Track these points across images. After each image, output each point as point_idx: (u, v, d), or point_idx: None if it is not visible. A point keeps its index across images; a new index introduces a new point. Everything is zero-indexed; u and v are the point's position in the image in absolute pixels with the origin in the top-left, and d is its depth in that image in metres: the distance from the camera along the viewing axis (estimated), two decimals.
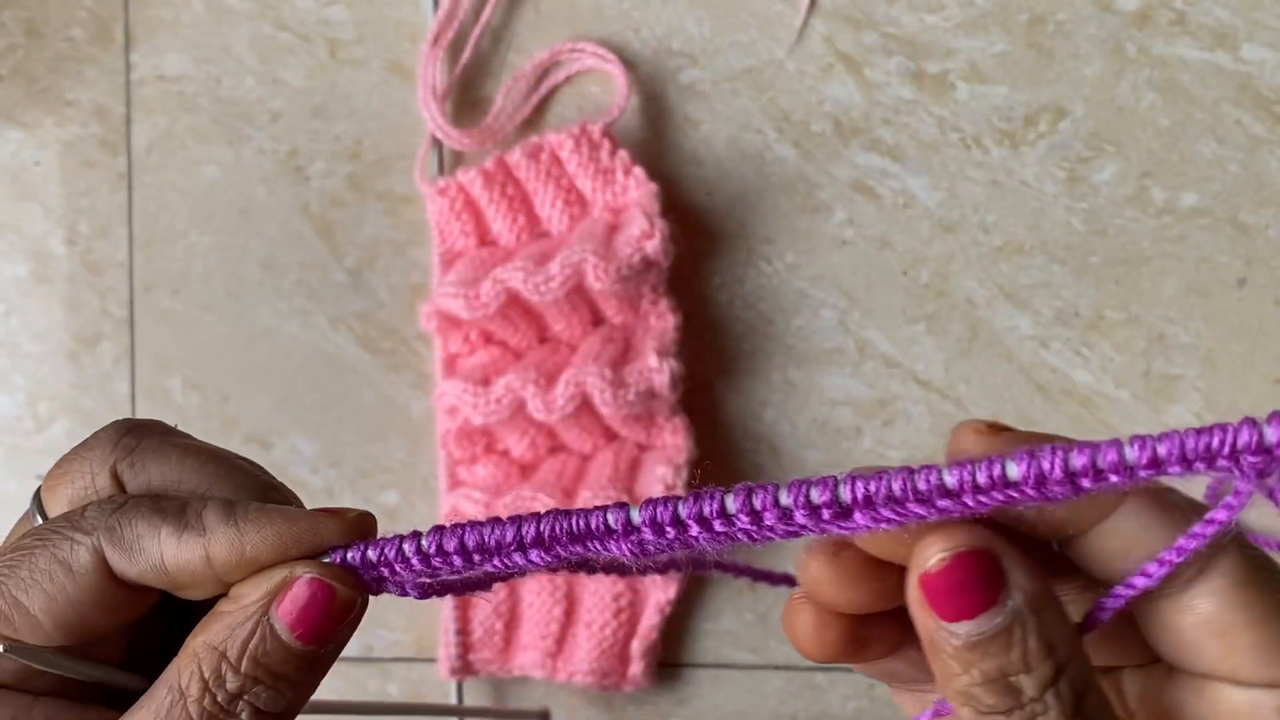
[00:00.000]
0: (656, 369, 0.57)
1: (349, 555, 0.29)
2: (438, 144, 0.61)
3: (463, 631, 0.61)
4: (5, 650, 0.28)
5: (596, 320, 0.60)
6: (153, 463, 0.31)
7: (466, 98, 0.62)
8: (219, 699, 0.28)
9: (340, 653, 0.30)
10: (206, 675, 0.28)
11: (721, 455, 0.61)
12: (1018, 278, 0.60)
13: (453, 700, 0.63)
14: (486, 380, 0.58)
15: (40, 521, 0.31)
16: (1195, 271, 0.60)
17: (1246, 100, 0.59)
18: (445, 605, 0.61)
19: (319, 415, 0.63)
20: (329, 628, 0.28)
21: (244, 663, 0.28)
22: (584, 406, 0.57)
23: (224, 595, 0.29)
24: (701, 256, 0.61)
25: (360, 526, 0.29)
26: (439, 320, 0.59)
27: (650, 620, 0.60)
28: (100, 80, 0.63)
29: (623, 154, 0.58)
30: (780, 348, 0.61)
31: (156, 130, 0.63)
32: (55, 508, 0.31)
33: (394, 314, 0.62)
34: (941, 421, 0.61)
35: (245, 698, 0.28)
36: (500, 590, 0.61)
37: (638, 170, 0.58)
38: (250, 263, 0.63)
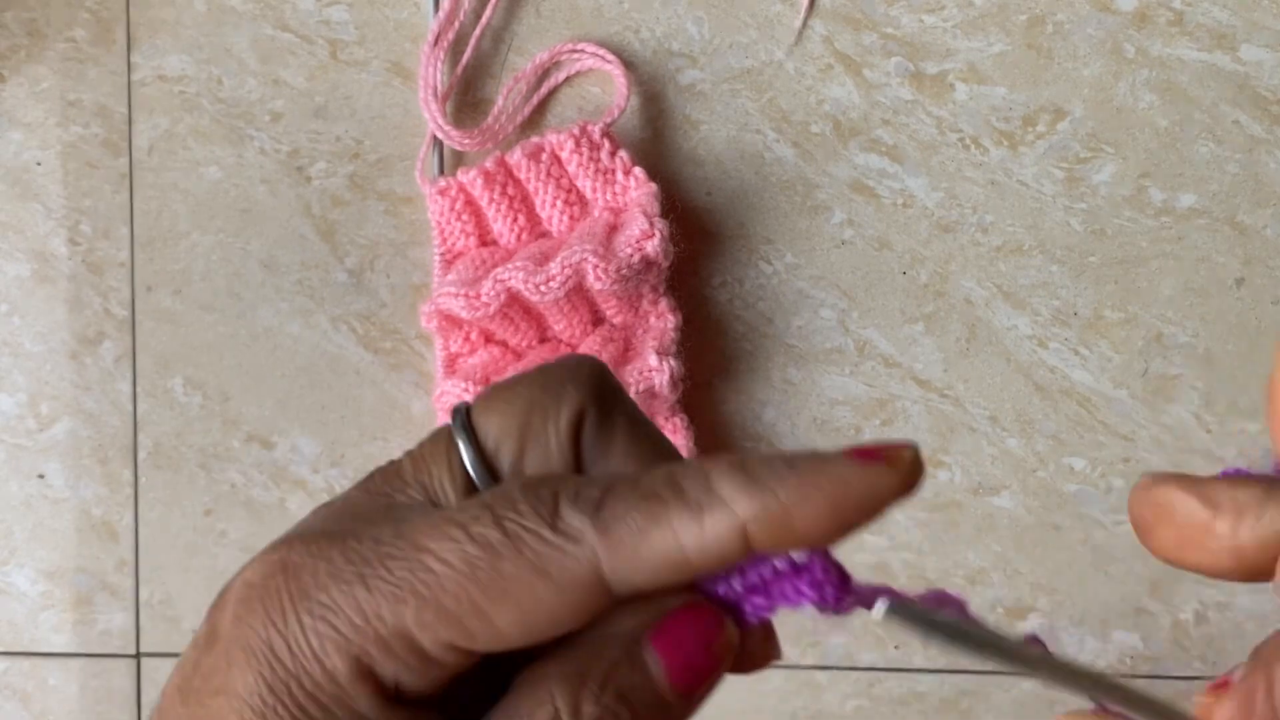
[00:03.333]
0: (656, 369, 0.57)
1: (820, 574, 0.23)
2: (438, 144, 0.61)
3: None
4: (887, 614, 0.23)
5: (596, 320, 0.60)
6: (620, 441, 0.25)
7: (467, 98, 0.62)
8: None
9: (704, 703, 0.25)
10: (560, 704, 0.23)
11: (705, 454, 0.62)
12: (1016, 278, 0.61)
13: None
14: (487, 380, 0.58)
15: (469, 464, 0.25)
16: (1193, 271, 0.60)
17: (1245, 101, 0.59)
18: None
19: (320, 415, 0.63)
20: (707, 668, 0.24)
21: (607, 692, 0.23)
22: None
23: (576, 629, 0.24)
24: (701, 256, 0.61)
25: (918, 478, 0.24)
26: (439, 320, 0.59)
27: None
28: (102, 81, 0.63)
29: (623, 154, 0.59)
30: (780, 347, 0.62)
31: (158, 131, 0.63)
32: (498, 458, 0.25)
33: (395, 314, 0.62)
34: (940, 421, 0.61)
35: None
36: None
37: (638, 170, 0.58)
38: (251, 263, 0.63)
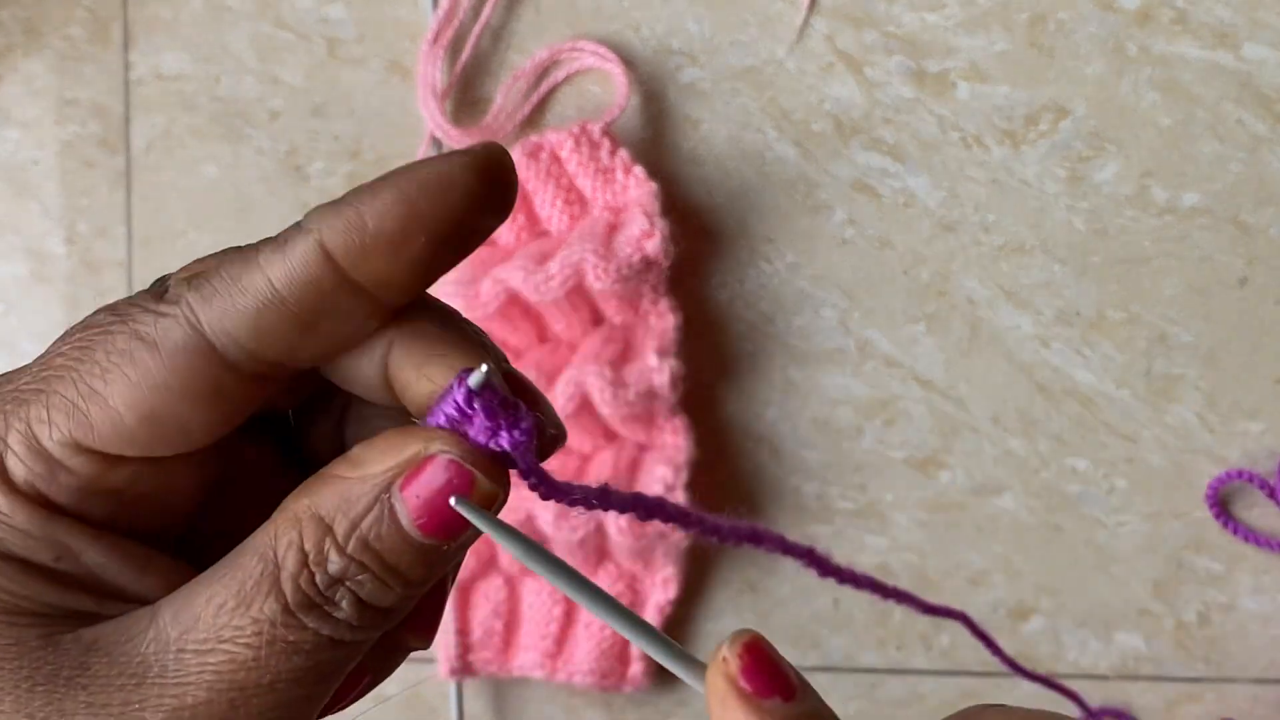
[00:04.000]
0: (656, 369, 0.57)
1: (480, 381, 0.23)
2: (437, 143, 0.61)
3: (462, 632, 0.61)
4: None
5: (596, 320, 0.59)
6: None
7: (466, 97, 0.61)
8: (317, 580, 0.23)
9: (462, 555, 0.25)
10: (308, 549, 0.23)
11: (721, 455, 0.61)
12: (1018, 277, 0.60)
13: (453, 701, 0.63)
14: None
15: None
16: (1196, 271, 0.60)
17: (1248, 99, 0.59)
18: (445, 605, 0.61)
19: None
20: (458, 523, 0.23)
21: (352, 543, 0.23)
22: (584, 406, 0.57)
23: (336, 456, 0.24)
24: (701, 256, 0.61)
25: (490, 162, 0.23)
26: None
27: (650, 621, 0.59)
28: (99, 79, 0.63)
29: (623, 153, 0.58)
30: (781, 347, 0.61)
31: (155, 129, 0.63)
32: None
33: None
34: (942, 421, 0.61)
35: (347, 584, 0.23)
36: (500, 590, 0.61)
37: (638, 170, 0.58)
38: None
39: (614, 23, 0.61)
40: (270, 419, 0.27)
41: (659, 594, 0.60)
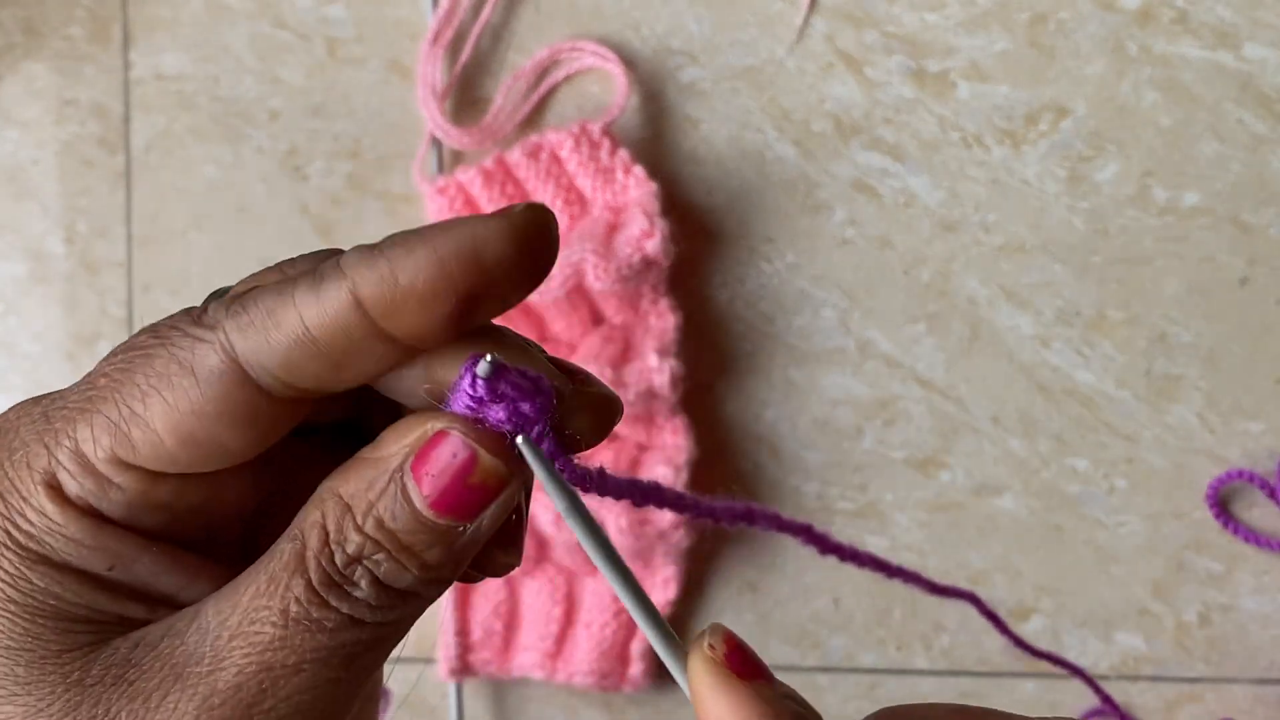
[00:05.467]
0: (656, 369, 0.57)
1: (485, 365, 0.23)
2: (437, 143, 0.61)
3: (462, 632, 0.61)
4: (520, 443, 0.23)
5: (596, 320, 0.59)
6: None
7: (466, 96, 0.61)
8: (336, 559, 0.24)
9: (484, 541, 0.25)
10: (330, 528, 0.24)
11: (721, 455, 0.61)
12: (1019, 277, 0.60)
13: (452, 701, 0.63)
14: None
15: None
16: (1197, 271, 0.60)
17: (1248, 99, 0.59)
18: (445, 606, 0.61)
19: None
20: (468, 500, 0.24)
21: (368, 521, 0.24)
22: None
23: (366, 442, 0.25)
24: (701, 256, 0.61)
25: (529, 230, 0.24)
26: None
27: None
28: (99, 79, 0.63)
29: (623, 153, 0.58)
30: (781, 347, 0.61)
31: (155, 129, 0.62)
32: None
33: None
34: (943, 421, 0.61)
35: (365, 563, 0.24)
36: (500, 591, 0.61)
37: (638, 169, 0.58)
38: (249, 262, 0.62)
39: (614, 22, 0.61)
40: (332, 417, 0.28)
41: (659, 594, 0.59)
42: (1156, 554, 0.61)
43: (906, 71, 0.60)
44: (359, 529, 0.24)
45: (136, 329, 0.62)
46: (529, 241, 0.24)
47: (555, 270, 0.55)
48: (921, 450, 0.61)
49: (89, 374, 0.25)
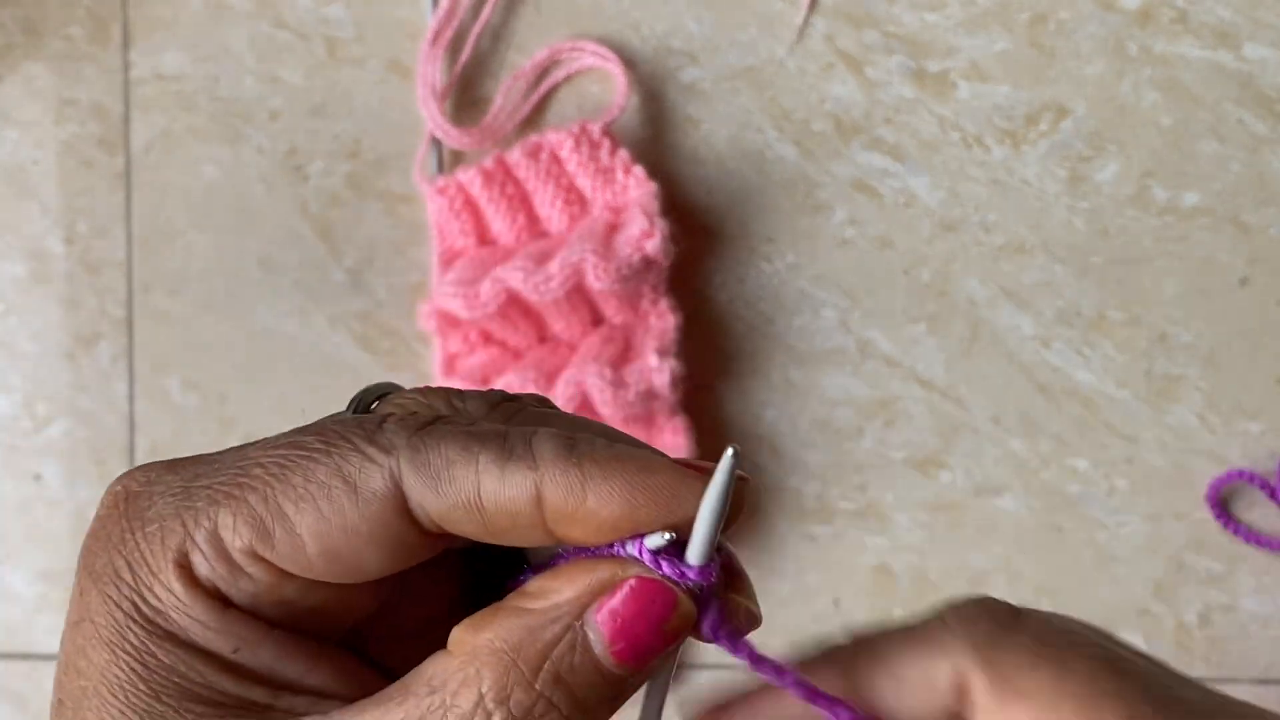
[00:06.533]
0: (656, 369, 0.57)
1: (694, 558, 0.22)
2: (437, 143, 0.61)
3: None
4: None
5: (596, 320, 0.59)
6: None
7: (466, 97, 0.61)
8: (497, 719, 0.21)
9: (640, 685, 0.24)
10: (485, 687, 0.21)
11: (722, 455, 0.61)
12: (1019, 277, 0.60)
13: None
14: (486, 380, 0.57)
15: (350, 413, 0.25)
16: (1197, 271, 0.60)
17: (1248, 99, 0.59)
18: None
19: (318, 415, 0.62)
20: (655, 648, 0.22)
21: (542, 676, 0.22)
22: (584, 406, 0.57)
23: (516, 586, 0.23)
24: (701, 256, 0.61)
25: (735, 505, 0.23)
26: (438, 320, 0.59)
27: None
28: (98, 79, 0.63)
29: (623, 153, 0.58)
30: (781, 347, 0.61)
31: (155, 129, 0.62)
32: None
33: (393, 314, 0.62)
34: (942, 421, 0.61)
35: None
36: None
37: (638, 169, 0.58)
38: (249, 262, 0.62)
39: (614, 22, 0.61)
40: None
41: None
42: (1157, 554, 0.61)
43: (907, 71, 0.60)
44: (529, 685, 0.22)
45: (136, 328, 0.62)
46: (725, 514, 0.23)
47: (555, 270, 0.55)
48: (922, 450, 0.61)
49: (244, 454, 0.24)
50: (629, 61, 0.60)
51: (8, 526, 0.63)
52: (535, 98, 0.61)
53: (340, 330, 0.62)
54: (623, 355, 0.58)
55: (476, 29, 0.60)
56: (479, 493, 0.22)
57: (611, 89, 0.60)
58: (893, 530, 0.61)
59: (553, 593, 0.23)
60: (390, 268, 0.62)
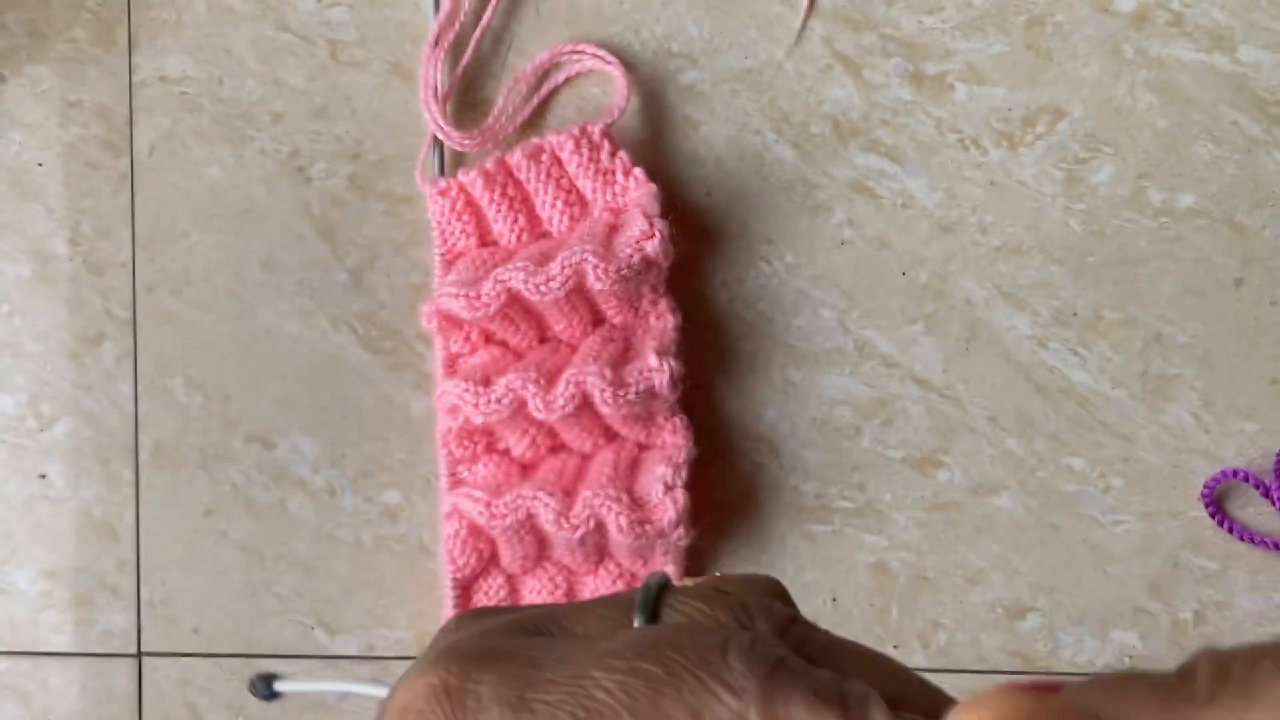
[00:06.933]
0: (656, 369, 0.57)
1: None
2: (438, 145, 0.61)
3: None
4: None
5: (597, 320, 0.60)
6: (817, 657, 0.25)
7: (467, 99, 0.62)
8: None
9: None
10: None
11: (721, 455, 0.62)
12: (1016, 278, 0.61)
13: None
14: (487, 380, 0.58)
15: (641, 621, 0.25)
16: (1192, 272, 0.60)
17: (1244, 102, 0.60)
18: (445, 604, 0.61)
19: (320, 415, 0.63)
20: None
21: None
22: (584, 406, 0.57)
23: None
24: (701, 256, 0.61)
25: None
26: (439, 320, 0.59)
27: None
28: (103, 81, 0.63)
29: (623, 155, 0.59)
30: (780, 347, 0.62)
31: (158, 131, 0.63)
32: None
33: (395, 314, 0.63)
34: (940, 421, 0.61)
35: None
36: (501, 589, 0.61)
37: (638, 171, 0.58)
38: (252, 263, 0.63)
39: (614, 25, 0.61)
40: None
41: None
42: (1152, 553, 0.61)
43: (904, 74, 0.60)
44: None
45: (140, 329, 0.63)
46: None
47: (556, 271, 0.56)
48: (919, 450, 0.61)
49: (568, 666, 0.23)
50: (629, 64, 0.61)
51: (12, 525, 0.63)
52: (536, 100, 0.61)
53: (342, 330, 0.63)
54: (623, 355, 0.58)
55: (477, 32, 0.61)
56: None
57: (611, 91, 0.61)
58: (890, 529, 0.62)
59: None
60: (392, 268, 0.62)
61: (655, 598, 0.25)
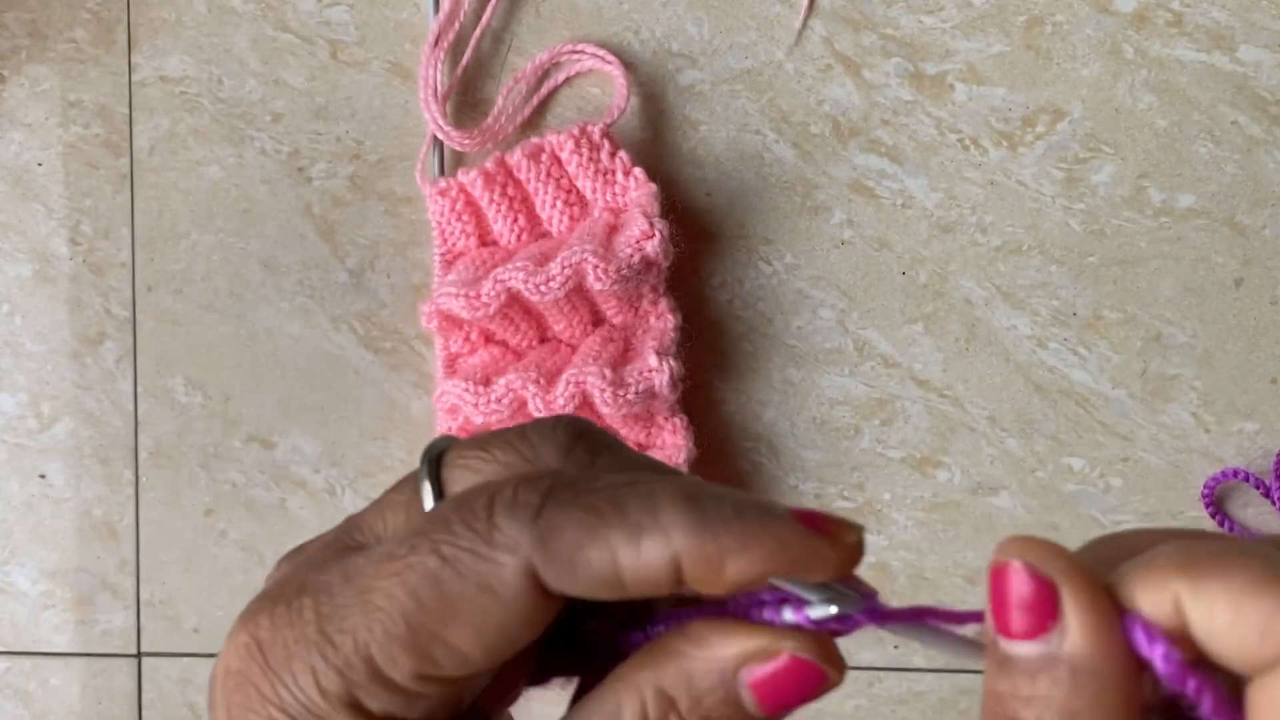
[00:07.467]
0: (656, 369, 0.57)
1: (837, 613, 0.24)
2: (438, 145, 0.61)
3: None
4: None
5: (597, 320, 0.60)
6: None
7: (467, 99, 0.62)
8: None
9: None
10: (651, 712, 0.24)
11: (721, 455, 0.62)
12: (1015, 278, 0.61)
13: None
14: (487, 380, 0.58)
15: (431, 506, 0.25)
16: (1192, 272, 0.60)
17: (1243, 101, 0.60)
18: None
19: (320, 415, 0.63)
20: (793, 707, 0.24)
21: (693, 716, 0.24)
22: (584, 406, 0.57)
23: (674, 629, 0.25)
24: (701, 256, 0.62)
25: (856, 558, 0.25)
26: (440, 320, 0.59)
27: None
28: (103, 81, 0.63)
29: (623, 155, 0.59)
30: (779, 347, 0.62)
31: (159, 131, 0.63)
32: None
33: (395, 314, 0.63)
34: (939, 421, 0.61)
35: None
36: None
37: (638, 171, 0.58)
38: (252, 263, 0.63)
39: (614, 25, 0.61)
40: None
41: None
42: None
43: (904, 74, 0.60)
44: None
45: (140, 329, 0.63)
46: (850, 568, 0.24)
47: (556, 271, 0.56)
48: (919, 450, 0.62)
49: (349, 578, 0.24)
50: (629, 64, 0.61)
51: (12, 525, 0.64)
52: (536, 100, 0.61)
53: (343, 330, 0.63)
54: (623, 355, 0.58)
55: (477, 32, 0.61)
56: (618, 571, 0.23)
57: (611, 91, 0.61)
58: (890, 529, 0.62)
59: (713, 644, 0.24)
60: (392, 268, 0.62)
61: (436, 464, 0.26)
